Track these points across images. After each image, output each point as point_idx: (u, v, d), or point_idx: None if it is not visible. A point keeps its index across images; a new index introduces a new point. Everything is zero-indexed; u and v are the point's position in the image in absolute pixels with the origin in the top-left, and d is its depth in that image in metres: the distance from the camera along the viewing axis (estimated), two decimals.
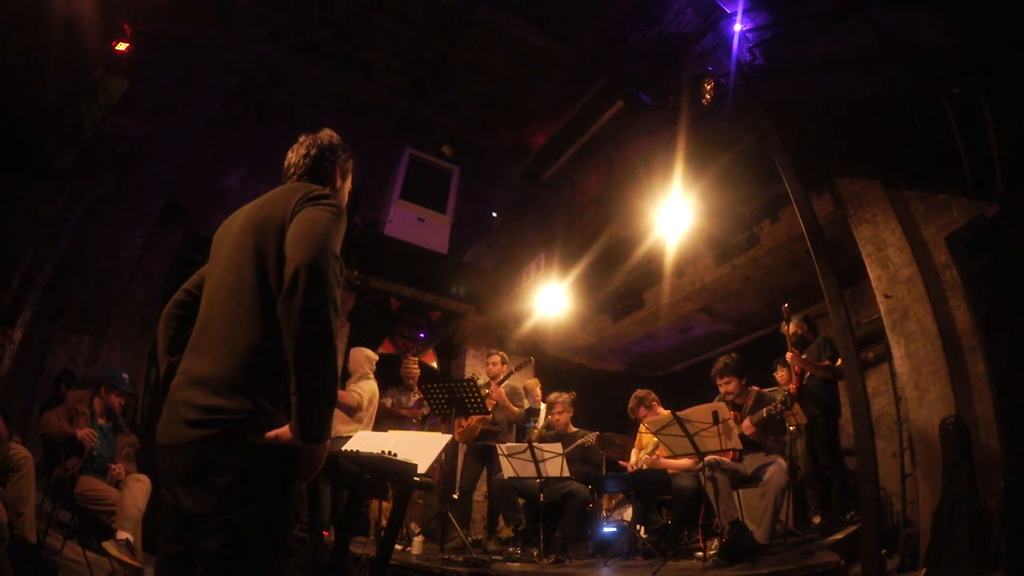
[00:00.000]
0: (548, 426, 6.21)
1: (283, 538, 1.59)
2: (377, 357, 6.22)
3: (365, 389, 5.82)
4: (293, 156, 2.02)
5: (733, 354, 5.20)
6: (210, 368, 1.61)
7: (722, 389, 5.01)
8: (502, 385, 6.20)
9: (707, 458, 4.44)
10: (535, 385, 6.99)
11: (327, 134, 2.07)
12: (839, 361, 5.26)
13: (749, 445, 4.68)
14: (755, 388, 5.04)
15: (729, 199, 6.35)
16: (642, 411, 5.82)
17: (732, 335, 8.63)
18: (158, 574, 1.67)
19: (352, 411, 5.70)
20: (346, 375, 6.11)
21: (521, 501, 5.71)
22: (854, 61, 4.67)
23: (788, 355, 5.40)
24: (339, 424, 5.71)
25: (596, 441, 5.93)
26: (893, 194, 5.11)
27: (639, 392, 5.96)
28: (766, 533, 4.32)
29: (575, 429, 6.05)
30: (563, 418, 6.07)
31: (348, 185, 2.14)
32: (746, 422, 4.63)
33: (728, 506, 4.40)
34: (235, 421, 1.54)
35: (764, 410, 4.60)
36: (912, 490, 4.85)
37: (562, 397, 6.17)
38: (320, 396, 1.51)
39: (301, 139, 2.05)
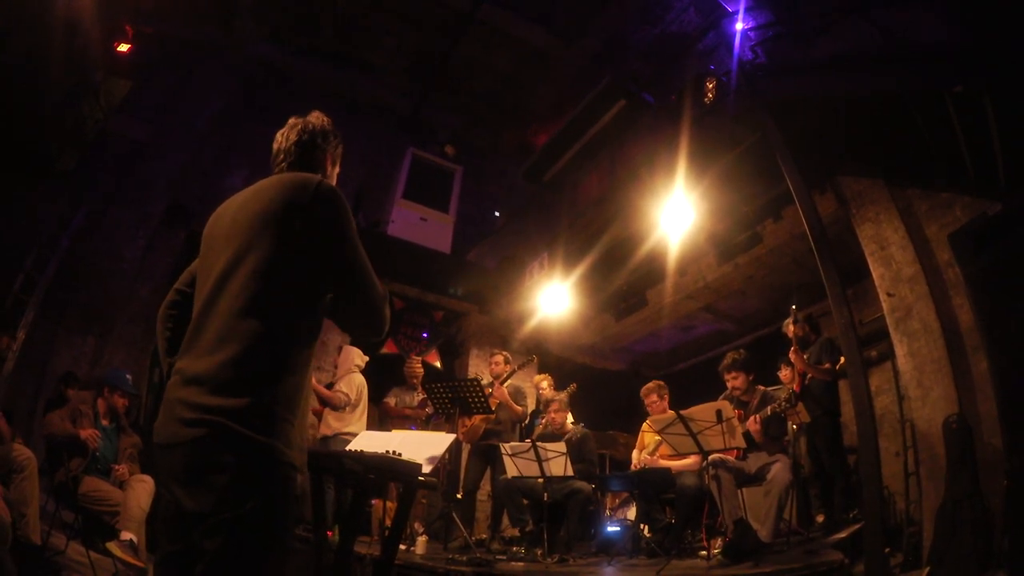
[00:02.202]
0: (546, 425, 6.19)
1: (283, 536, 1.58)
2: (368, 358, 6.24)
3: (353, 384, 5.99)
4: (283, 141, 1.96)
5: (741, 350, 5.19)
6: (205, 366, 1.59)
7: (729, 384, 5.00)
8: (505, 384, 6.19)
9: (711, 456, 4.43)
10: (541, 380, 6.97)
11: (317, 117, 2.00)
12: (841, 361, 5.26)
13: (753, 444, 4.68)
14: (760, 387, 5.04)
15: (732, 198, 6.35)
16: (654, 397, 5.81)
17: (735, 334, 8.63)
18: (158, 573, 1.67)
19: (340, 408, 5.87)
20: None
21: (525, 501, 5.71)
22: (856, 60, 4.65)
23: (791, 353, 5.40)
24: (333, 421, 5.86)
25: (582, 432, 5.91)
26: (896, 193, 5.10)
27: (658, 382, 5.98)
28: (770, 532, 4.32)
29: (571, 428, 6.02)
30: (559, 417, 6.00)
31: (337, 170, 2.09)
32: (750, 419, 4.63)
33: (732, 505, 4.39)
34: (232, 419, 1.52)
35: (769, 408, 4.59)
36: (915, 489, 4.85)
37: (558, 396, 6.12)
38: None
39: (291, 122, 1.98)
